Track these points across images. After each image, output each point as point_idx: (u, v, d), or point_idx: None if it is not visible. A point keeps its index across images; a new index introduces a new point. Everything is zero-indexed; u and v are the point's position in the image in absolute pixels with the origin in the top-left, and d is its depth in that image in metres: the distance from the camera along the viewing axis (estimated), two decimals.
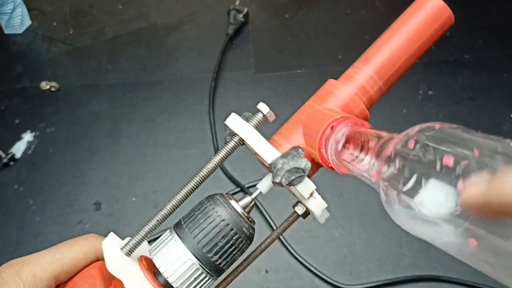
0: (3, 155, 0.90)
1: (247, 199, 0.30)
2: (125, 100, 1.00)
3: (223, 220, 0.27)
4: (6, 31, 1.15)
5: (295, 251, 0.76)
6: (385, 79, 0.31)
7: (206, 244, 0.27)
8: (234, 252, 0.28)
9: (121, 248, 0.28)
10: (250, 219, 0.29)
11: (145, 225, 0.29)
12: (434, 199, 0.17)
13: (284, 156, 0.27)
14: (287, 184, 0.27)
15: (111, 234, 0.29)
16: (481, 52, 1.03)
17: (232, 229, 0.27)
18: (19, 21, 1.14)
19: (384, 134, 0.23)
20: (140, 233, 0.28)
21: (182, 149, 0.91)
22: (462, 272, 0.74)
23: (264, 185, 0.31)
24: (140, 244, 0.28)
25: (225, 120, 0.29)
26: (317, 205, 0.29)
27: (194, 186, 0.29)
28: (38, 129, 0.96)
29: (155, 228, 0.29)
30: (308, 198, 0.29)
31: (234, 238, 0.28)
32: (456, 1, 1.05)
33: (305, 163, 0.27)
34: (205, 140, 0.92)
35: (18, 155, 0.91)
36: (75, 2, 1.23)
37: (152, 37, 1.13)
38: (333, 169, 0.28)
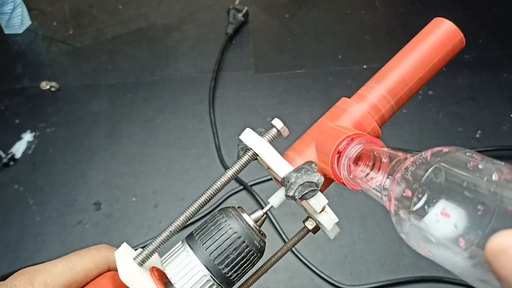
0: (3, 155, 0.90)
1: (259, 213, 0.30)
2: (125, 100, 1.00)
3: (235, 232, 0.28)
4: (6, 31, 1.15)
5: (295, 251, 0.76)
6: (397, 98, 0.32)
7: (217, 256, 0.27)
8: (245, 265, 0.28)
9: (134, 259, 0.28)
10: (261, 233, 0.30)
11: (158, 236, 0.29)
12: (446, 224, 0.17)
13: (297, 170, 0.28)
14: (299, 198, 0.28)
15: (124, 245, 0.29)
16: (481, 52, 1.03)
17: (243, 242, 0.28)
18: (19, 21, 1.14)
19: (397, 153, 0.24)
20: (153, 244, 0.29)
21: (182, 149, 0.91)
22: None
23: (276, 199, 0.31)
24: (152, 255, 0.29)
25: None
26: (328, 219, 0.30)
27: (207, 199, 0.29)
28: (38, 129, 0.96)
29: (168, 240, 0.29)
30: (320, 212, 0.29)
31: (245, 250, 0.28)
32: (456, 1, 1.03)
33: (318, 177, 0.27)
34: (205, 140, 0.92)
35: (18, 155, 0.91)
36: (75, 2, 1.23)
37: (152, 37, 1.13)
38: (345, 184, 0.28)
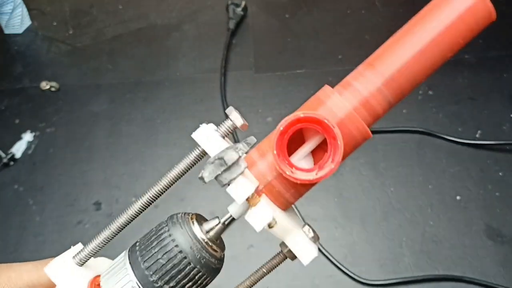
0: (3, 155, 0.90)
1: (213, 222, 0.25)
2: (125, 100, 1.00)
3: (180, 251, 0.24)
4: (6, 31, 1.15)
5: None
6: (397, 91, 0.24)
7: (159, 278, 0.24)
8: (192, 287, 0.24)
9: (73, 257, 0.28)
10: (214, 248, 0.25)
11: (96, 237, 0.27)
12: None
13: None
14: (219, 182, 0.22)
15: (78, 244, 0.29)
16: (481, 52, 1.03)
17: (190, 263, 0.23)
18: (19, 21, 1.14)
19: None
20: (90, 244, 0.27)
21: (182, 149, 0.91)
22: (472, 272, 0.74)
23: (236, 207, 0.25)
24: (91, 255, 0.27)
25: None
26: (256, 217, 0.22)
27: (150, 199, 0.27)
28: (38, 129, 0.96)
29: (107, 241, 0.27)
30: (247, 207, 0.23)
31: (192, 272, 0.24)
32: None
33: (230, 154, 0.22)
34: None
35: (18, 155, 0.91)
36: (75, 2, 1.22)
37: (152, 37, 1.13)
38: (304, 182, 0.23)
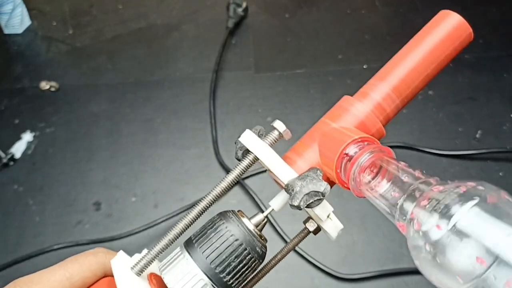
0: (2, 155, 0.90)
1: (259, 216, 0.29)
2: (125, 100, 1.00)
3: (236, 239, 0.27)
4: (6, 31, 1.15)
5: (294, 251, 0.76)
6: (402, 96, 0.31)
7: (218, 264, 0.27)
8: (247, 272, 0.28)
9: (132, 268, 0.28)
10: (262, 237, 0.29)
11: (156, 244, 0.28)
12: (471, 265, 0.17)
13: (302, 178, 0.27)
14: (305, 207, 0.27)
15: (121, 253, 0.29)
16: (481, 52, 1.03)
17: (245, 249, 0.27)
18: (19, 21, 1.14)
19: (414, 172, 0.24)
20: (151, 253, 0.28)
21: (182, 149, 0.91)
22: None
23: (277, 202, 0.30)
24: (151, 263, 0.28)
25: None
26: (333, 227, 0.30)
27: (208, 205, 0.29)
28: (37, 129, 0.96)
29: (166, 248, 0.28)
30: (325, 220, 0.29)
31: (247, 257, 0.27)
32: (456, 1, 1.03)
33: (324, 187, 0.26)
34: (205, 140, 0.92)
35: (17, 155, 0.91)
36: (74, 1, 1.22)
37: (152, 37, 1.13)
38: (349, 189, 0.27)
